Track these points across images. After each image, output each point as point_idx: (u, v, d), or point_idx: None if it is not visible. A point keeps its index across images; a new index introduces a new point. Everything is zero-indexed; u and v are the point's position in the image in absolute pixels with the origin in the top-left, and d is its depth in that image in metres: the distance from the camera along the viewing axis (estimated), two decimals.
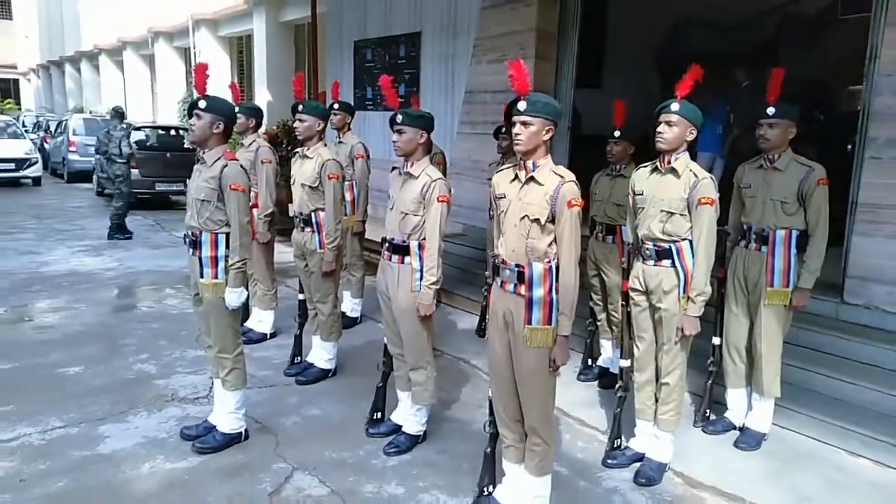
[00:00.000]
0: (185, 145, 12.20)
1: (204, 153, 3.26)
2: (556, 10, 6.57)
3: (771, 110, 3.29)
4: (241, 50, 17.48)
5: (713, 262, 3.02)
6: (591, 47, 7.81)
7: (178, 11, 18.02)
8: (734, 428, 3.64)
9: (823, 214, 3.31)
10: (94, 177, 13.38)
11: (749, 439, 3.49)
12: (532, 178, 2.51)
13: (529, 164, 2.52)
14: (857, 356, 3.87)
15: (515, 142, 2.50)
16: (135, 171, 11.21)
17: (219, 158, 3.20)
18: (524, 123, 2.46)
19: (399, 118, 3.10)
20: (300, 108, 3.99)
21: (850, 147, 4.91)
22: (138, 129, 12.18)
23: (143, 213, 11.08)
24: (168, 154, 11.82)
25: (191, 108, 3.22)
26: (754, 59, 9.03)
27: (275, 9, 14.18)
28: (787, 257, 3.34)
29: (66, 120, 16.15)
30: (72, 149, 15.02)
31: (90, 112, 22.24)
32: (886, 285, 4.06)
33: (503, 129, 4.50)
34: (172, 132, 12.95)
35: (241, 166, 3.30)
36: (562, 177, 2.48)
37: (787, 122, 3.30)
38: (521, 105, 2.46)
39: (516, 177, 2.57)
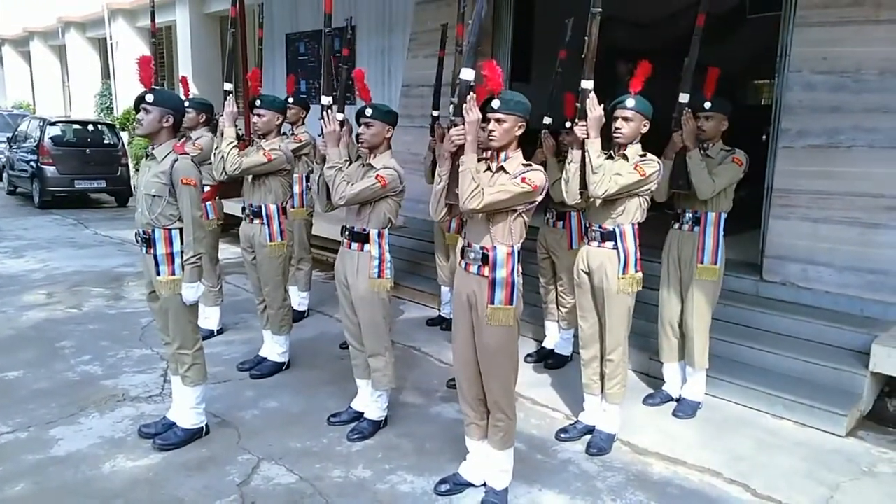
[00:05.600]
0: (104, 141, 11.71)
1: (153, 148, 3.22)
2: (490, 5, 6.74)
3: (707, 104, 3.60)
4: (160, 41, 16.80)
5: (599, 187, 3.07)
6: (521, 42, 8.03)
7: (91, 0, 17.12)
8: (671, 399, 3.93)
9: (722, 173, 3.52)
10: (5, 174, 12.66)
11: (686, 408, 3.78)
12: (502, 168, 2.66)
13: (502, 156, 2.66)
14: (776, 328, 4.24)
15: (490, 137, 2.62)
16: (52, 168, 10.73)
17: (169, 153, 3.16)
18: (498, 120, 2.60)
19: (368, 112, 3.21)
20: (258, 102, 3.99)
21: (764, 137, 5.31)
22: (54, 123, 11.56)
23: (62, 211, 10.59)
24: (87, 150, 11.29)
25: (137, 103, 3.17)
26: (670, 54, 9.54)
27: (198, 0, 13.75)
28: (716, 237, 3.64)
29: None
30: None
31: None
32: (800, 263, 4.45)
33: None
34: (91, 127, 12.36)
35: (192, 160, 3.28)
36: (528, 165, 2.63)
37: (721, 115, 3.61)
38: (496, 103, 2.59)
39: (488, 167, 2.70)
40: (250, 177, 4.03)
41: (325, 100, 3.41)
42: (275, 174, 4.02)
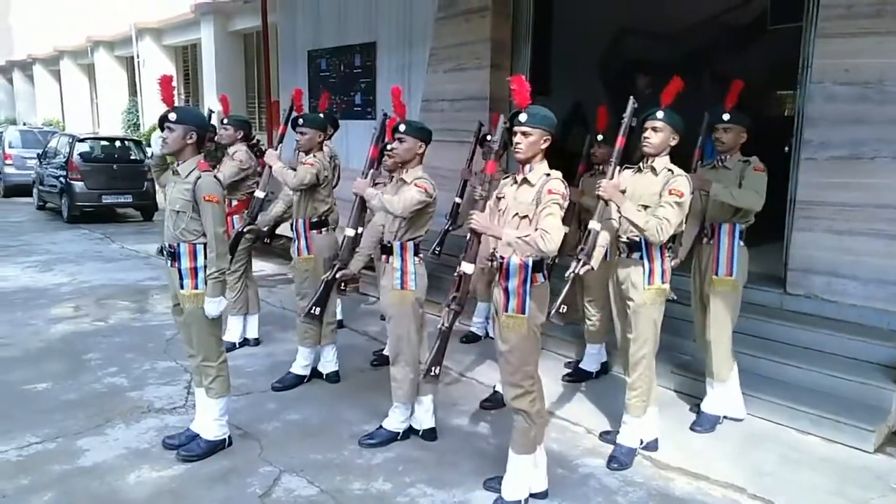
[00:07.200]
0: (146, 156, 11.95)
1: (178, 164, 3.28)
2: (509, 21, 6.81)
3: (726, 116, 3.59)
4: (186, 59, 17.18)
5: (662, 233, 3.05)
6: (540, 57, 8.07)
7: (119, 20, 17.58)
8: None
9: (754, 187, 3.51)
10: (35, 190, 12.96)
11: (704, 422, 3.74)
12: (525, 180, 2.76)
13: (526, 168, 2.76)
14: (801, 342, 4.18)
15: (515, 150, 2.73)
16: (80, 184, 10.98)
17: (193, 170, 3.22)
18: (524, 133, 2.70)
19: (402, 127, 3.32)
20: (300, 121, 4.10)
21: (787, 149, 5.27)
22: (82, 140, 11.84)
23: (89, 226, 10.80)
24: (114, 166, 11.53)
25: (161, 121, 3.25)
26: (690, 66, 9.51)
27: (223, 18, 14.04)
28: (731, 248, 3.62)
29: (2, 132, 15.54)
30: (8, 162, 14.49)
31: (24, 123, 21.44)
32: (824, 276, 4.40)
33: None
34: (118, 143, 12.64)
35: (216, 177, 3.33)
36: (548, 174, 2.73)
37: (739, 127, 3.60)
38: (522, 117, 2.70)
39: (515, 180, 2.82)
40: (297, 194, 4.16)
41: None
42: (311, 190, 4.10)
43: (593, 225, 3.15)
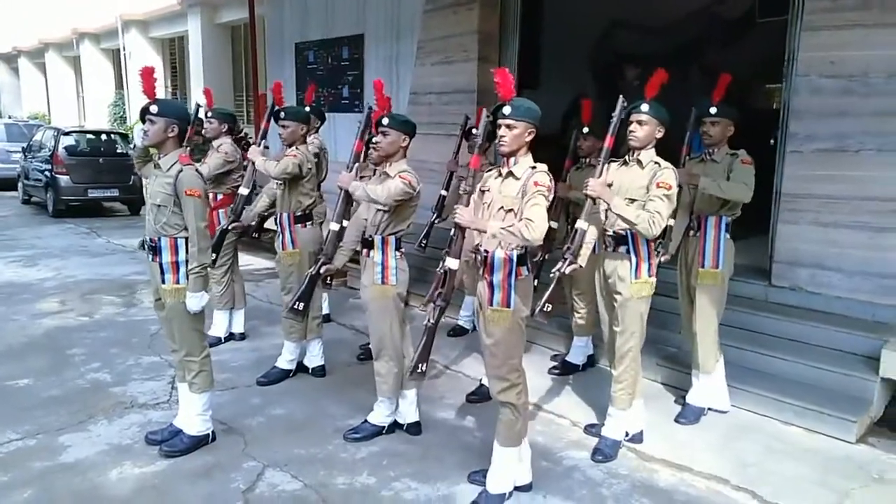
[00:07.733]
0: (129, 149, 11.83)
1: (160, 158, 3.24)
2: (497, 13, 6.78)
3: (713, 109, 3.60)
4: (173, 51, 17.02)
5: (654, 227, 3.03)
6: (529, 49, 8.05)
7: (105, 12, 17.38)
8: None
9: (743, 180, 3.52)
10: (20, 184, 12.82)
11: (689, 414, 3.75)
12: (510, 173, 2.75)
13: (511, 161, 2.75)
14: (786, 334, 4.20)
15: (500, 143, 2.72)
16: (65, 178, 10.86)
17: (174, 163, 3.18)
18: (508, 126, 2.69)
19: (385, 121, 3.28)
20: (282, 114, 4.07)
21: (772, 141, 5.28)
22: (68, 133, 11.71)
23: (75, 220, 10.70)
24: (100, 160, 11.40)
25: (143, 114, 3.20)
26: (679, 60, 9.52)
27: (210, 10, 13.90)
28: (717, 240, 3.63)
29: None
30: None
31: (10, 117, 21.21)
32: (809, 268, 4.41)
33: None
34: (104, 137, 12.51)
35: (197, 170, 3.30)
36: (533, 167, 2.72)
37: (727, 120, 3.61)
38: (506, 110, 2.69)
39: (500, 173, 2.81)
40: (281, 187, 4.13)
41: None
42: (294, 183, 4.08)
43: (580, 224, 3.14)
